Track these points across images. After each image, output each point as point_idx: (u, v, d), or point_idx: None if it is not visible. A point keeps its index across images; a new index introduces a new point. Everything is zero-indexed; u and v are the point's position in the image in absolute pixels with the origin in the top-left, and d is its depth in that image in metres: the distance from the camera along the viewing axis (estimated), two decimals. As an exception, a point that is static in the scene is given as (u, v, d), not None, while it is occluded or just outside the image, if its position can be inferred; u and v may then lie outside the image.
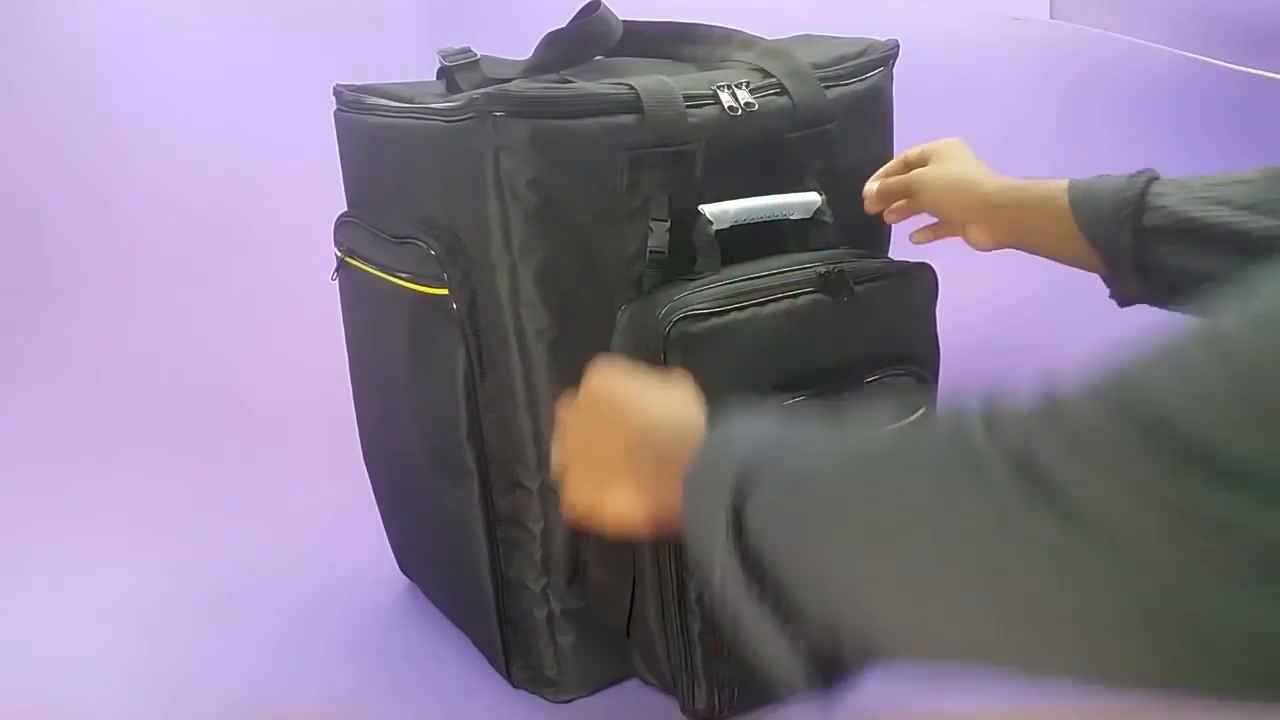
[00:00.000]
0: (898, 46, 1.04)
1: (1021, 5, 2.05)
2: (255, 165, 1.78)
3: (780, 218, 0.95)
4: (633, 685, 1.03)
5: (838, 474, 0.46)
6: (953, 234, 0.93)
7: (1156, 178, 0.82)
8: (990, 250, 0.91)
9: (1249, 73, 1.86)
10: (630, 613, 0.96)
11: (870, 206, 0.97)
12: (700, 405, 0.65)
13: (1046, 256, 0.88)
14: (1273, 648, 0.33)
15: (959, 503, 0.39)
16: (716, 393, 0.80)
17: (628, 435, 0.65)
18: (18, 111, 1.78)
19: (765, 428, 0.54)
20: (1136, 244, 0.81)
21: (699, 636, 0.92)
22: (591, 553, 0.95)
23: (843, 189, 1.00)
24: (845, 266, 0.90)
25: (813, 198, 0.96)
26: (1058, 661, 0.40)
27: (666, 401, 0.67)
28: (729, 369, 0.86)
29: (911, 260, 0.95)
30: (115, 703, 1.03)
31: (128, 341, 1.72)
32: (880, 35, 1.05)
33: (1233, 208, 0.77)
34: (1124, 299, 0.85)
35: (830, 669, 0.48)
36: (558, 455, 0.73)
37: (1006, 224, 0.89)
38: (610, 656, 1.02)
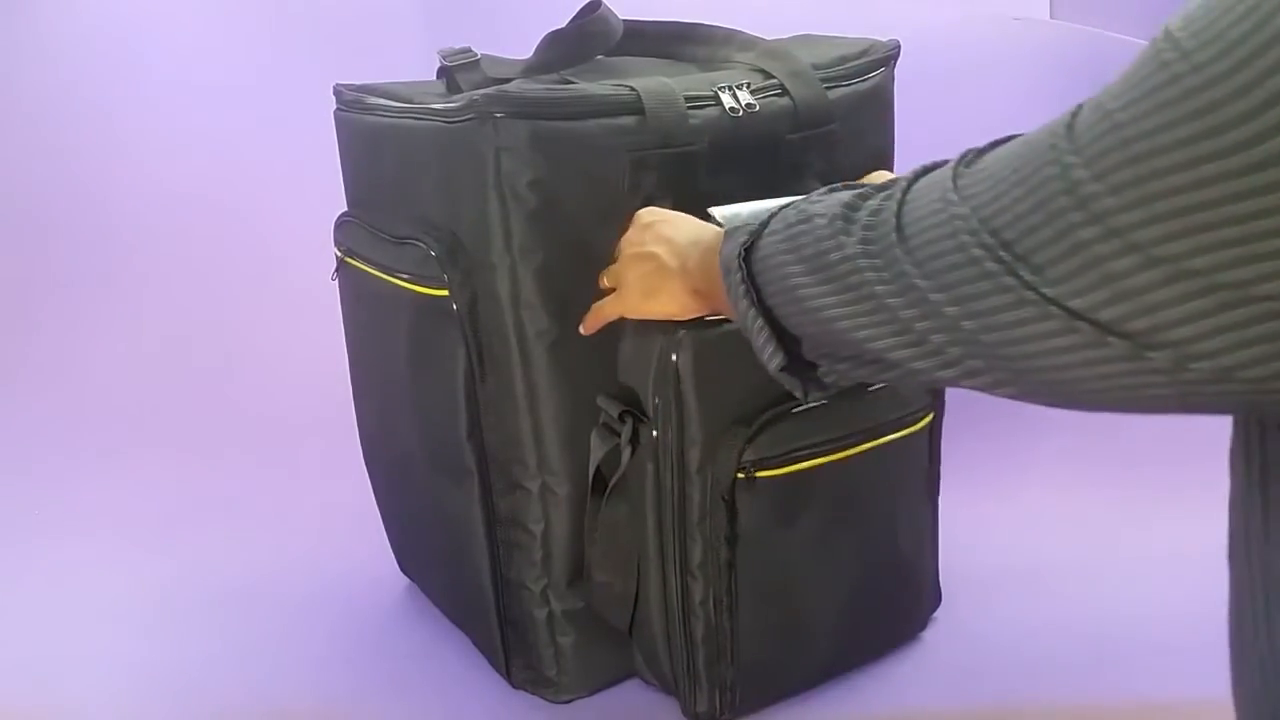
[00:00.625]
0: (899, 47, 1.04)
1: (1022, 5, 2.05)
2: (255, 165, 1.77)
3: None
4: (633, 685, 1.03)
5: (783, 241, 0.64)
6: None
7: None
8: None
9: (1249, 73, 1.85)
10: (633, 614, 0.96)
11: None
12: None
13: None
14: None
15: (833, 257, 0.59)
16: (727, 401, 0.87)
17: (678, 245, 0.81)
18: (18, 111, 1.78)
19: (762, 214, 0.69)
20: None
21: (702, 640, 0.92)
22: (596, 554, 0.95)
23: (843, 189, 1.00)
24: None
25: (773, 205, 0.95)
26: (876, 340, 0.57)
27: (700, 228, 0.83)
28: (740, 381, 0.87)
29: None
30: (115, 702, 1.03)
31: (127, 341, 1.72)
32: (881, 35, 1.05)
33: None
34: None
35: (803, 367, 0.66)
36: (610, 271, 0.88)
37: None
38: (610, 657, 1.02)
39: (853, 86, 1.00)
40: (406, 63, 1.11)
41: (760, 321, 0.66)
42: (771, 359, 0.66)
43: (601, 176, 0.89)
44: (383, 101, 1.00)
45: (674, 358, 0.86)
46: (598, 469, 0.93)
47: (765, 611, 0.93)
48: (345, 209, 1.10)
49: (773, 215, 0.67)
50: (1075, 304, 0.45)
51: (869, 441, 0.94)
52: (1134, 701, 0.99)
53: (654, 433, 0.89)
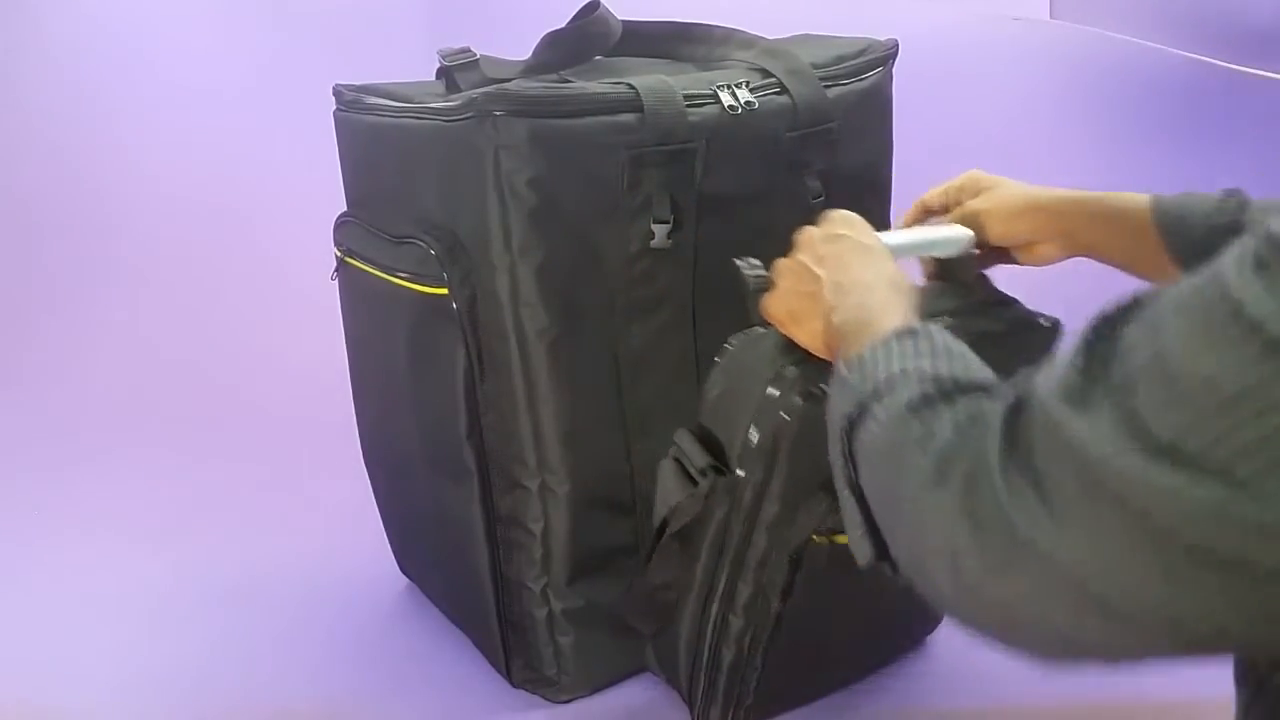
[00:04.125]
0: (897, 46, 1.04)
1: (1021, 5, 2.06)
2: (255, 165, 1.78)
3: (927, 254, 0.88)
4: (633, 685, 1.03)
5: (894, 434, 0.54)
6: (1005, 260, 0.93)
7: (1247, 201, 0.82)
8: (1054, 263, 0.91)
9: (1249, 73, 1.86)
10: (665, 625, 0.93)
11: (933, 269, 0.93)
12: (903, 299, 0.69)
13: (1122, 269, 0.88)
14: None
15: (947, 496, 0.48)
16: (820, 465, 0.80)
17: (843, 285, 0.72)
18: (18, 111, 1.78)
19: (898, 359, 0.58)
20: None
21: (729, 667, 0.90)
22: (658, 559, 0.91)
23: (843, 188, 1.00)
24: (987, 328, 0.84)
25: (964, 233, 0.87)
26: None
27: (884, 278, 0.72)
28: None
29: (1039, 313, 0.89)
30: (116, 702, 1.03)
31: (127, 342, 1.72)
32: (880, 35, 1.05)
33: None
34: None
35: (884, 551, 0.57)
36: (779, 264, 0.79)
37: (1083, 237, 0.88)
38: (610, 656, 1.02)
39: (851, 85, 1.00)
40: (406, 63, 1.11)
41: (853, 505, 0.58)
42: (858, 548, 0.58)
43: (601, 174, 0.89)
44: (382, 101, 1.00)
45: (784, 416, 0.80)
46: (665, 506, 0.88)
47: (795, 650, 0.91)
48: (345, 209, 1.10)
49: (890, 383, 0.56)
50: None
51: None
52: (1136, 702, 0.99)
53: (735, 482, 0.84)
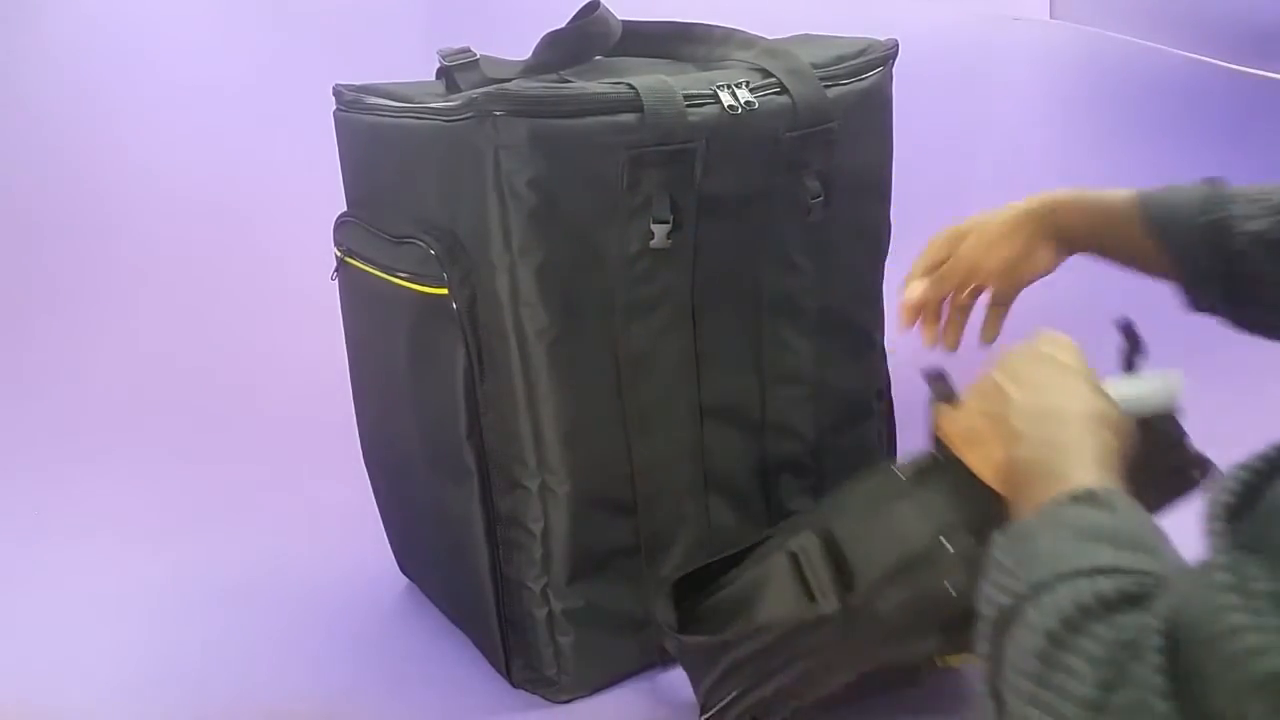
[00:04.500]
0: (897, 46, 1.04)
1: (1021, 5, 2.06)
2: (255, 165, 1.78)
3: (1137, 411, 0.78)
4: (633, 685, 1.03)
5: (1045, 647, 0.48)
6: (1010, 298, 0.92)
7: (1231, 199, 0.82)
8: (1054, 269, 0.91)
9: (1249, 73, 1.86)
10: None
11: (914, 321, 0.92)
12: (1098, 441, 0.62)
13: (1118, 265, 0.88)
14: None
15: None
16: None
17: (1034, 417, 0.64)
18: (18, 111, 1.78)
19: (1066, 541, 0.53)
20: (1226, 267, 0.81)
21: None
22: (757, 589, 0.87)
23: (843, 189, 1.00)
24: None
25: (1174, 380, 0.80)
26: None
27: (1082, 411, 0.64)
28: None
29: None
30: (116, 702, 1.03)
31: (127, 342, 1.72)
32: (880, 35, 1.05)
33: None
34: (1200, 310, 0.84)
35: None
36: (977, 377, 0.72)
37: (1077, 235, 0.88)
38: (610, 656, 1.02)
39: (851, 85, 1.00)
40: (406, 63, 1.11)
41: (992, 710, 0.53)
42: None
43: (601, 174, 0.89)
44: (382, 101, 1.00)
45: (950, 590, 0.76)
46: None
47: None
48: (345, 209, 1.10)
49: (1049, 583, 0.51)
50: None
51: None
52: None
53: (854, 614, 0.80)
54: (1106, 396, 0.67)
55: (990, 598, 0.54)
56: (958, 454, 0.71)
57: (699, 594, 0.96)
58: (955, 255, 0.92)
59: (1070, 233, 0.89)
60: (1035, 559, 0.53)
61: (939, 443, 0.75)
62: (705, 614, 0.94)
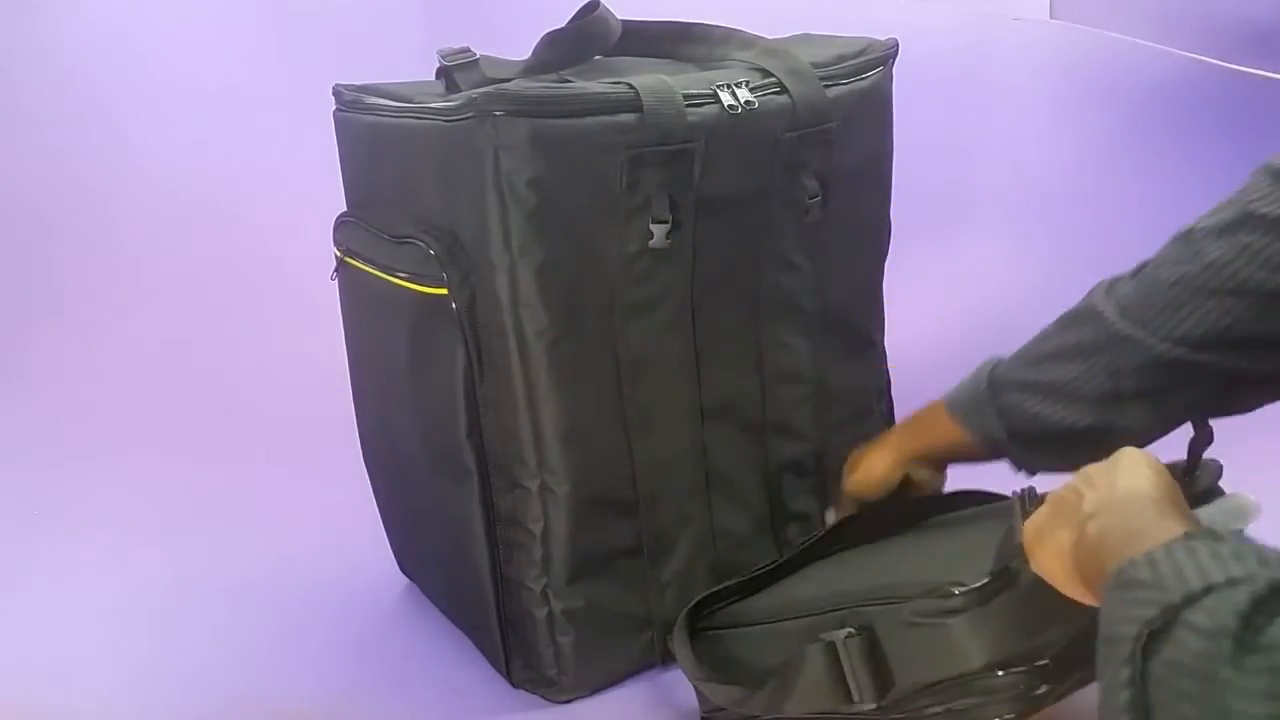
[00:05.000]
0: (897, 46, 1.04)
1: (1022, 5, 2.05)
2: (255, 165, 1.78)
3: None
4: (633, 685, 1.03)
5: (1225, 647, 0.45)
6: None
7: (996, 373, 0.91)
8: (940, 484, 1.02)
9: (1249, 73, 1.86)
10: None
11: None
12: (1182, 514, 0.59)
13: (956, 461, 0.98)
14: None
15: None
16: None
17: (1104, 497, 0.62)
18: (18, 111, 1.78)
19: (1208, 558, 0.49)
20: (1013, 444, 0.89)
21: None
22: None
23: (842, 188, 1.00)
24: None
25: (1247, 502, 0.75)
26: None
27: (1162, 491, 0.62)
28: None
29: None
30: (116, 702, 1.03)
31: (127, 341, 1.72)
32: (880, 34, 1.05)
33: (1065, 402, 0.85)
34: (1029, 471, 0.91)
35: None
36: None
37: (916, 449, 0.99)
38: (610, 657, 1.02)
39: (851, 85, 1.00)
40: (406, 63, 1.11)
41: None
42: None
43: (600, 174, 0.89)
44: (382, 101, 1.00)
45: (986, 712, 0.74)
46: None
47: None
48: (345, 209, 1.10)
49: (1192, 600, 0.47)
50: None
51: None
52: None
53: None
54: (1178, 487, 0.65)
55: (1125, 617, 0.49)
56: (1029, 557, 0.68)
57: (710, 605, 0.96)
58: (845, 488, 1.04)
59: (929, 454, 0.99)
60: (1178, 575, 0.48)
61: (1014, 556, 0.73)
62: (720, 647, 0.92)
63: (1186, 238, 0.80)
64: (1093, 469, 0.66)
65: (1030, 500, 0.72)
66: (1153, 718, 0.46)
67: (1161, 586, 0.48)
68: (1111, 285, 0.84)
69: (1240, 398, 0.81)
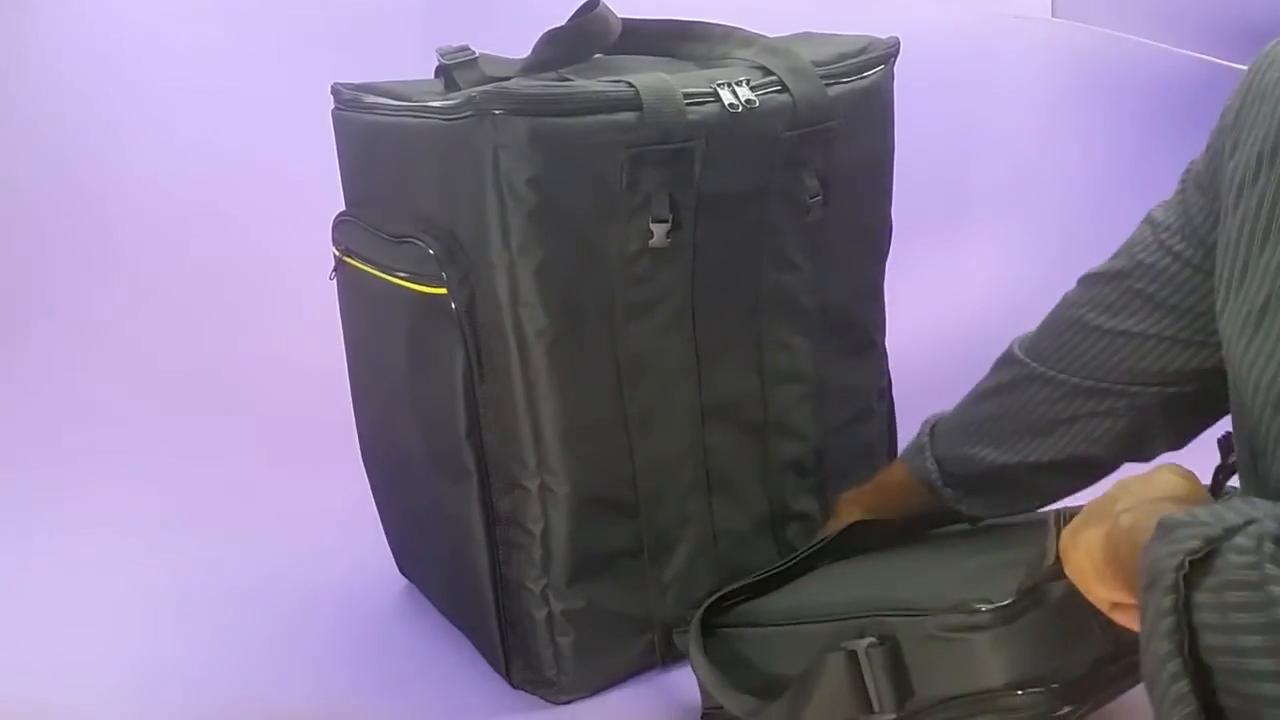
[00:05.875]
0: (899, 44, 1.04)
1: (1023, 3, 2.05)
2: (254, 165, 1.78)
3: None
4: (632, 686, 1.03)
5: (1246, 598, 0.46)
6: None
7: (939, 419, 0.96)
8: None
9: (1251, 71, 1.85)
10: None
11: None
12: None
13: (910, 513, 0.99)
14: None
15: None
16: None
17: (1137, 493, 0.63)
18: (17, 111, 1.78)
19: (1243, 505, 0.51)
20: (946, 487, 0.94)
21: None
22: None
23: (842, 187, 1.00)
24: None
25: None
26: None
27: (1195, 493, 0.64)
28: None
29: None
30: (116, 702, 1.03)
31: (127, 341, 1.72)
32: (881, 33, 1.05)
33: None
34: (969, 520, 0.96)
35: None
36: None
37: (873, 503, 1.02)
38: (610, 658, 1.02)
39: (852, 83, 1.00)
40: (405, 62, 1.11)
41: (1184, 686, 0.47)
42: None
43: (600, 173, 0.89)
44: (381, 100, 0.99)
45: None
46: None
47: None
48: (344, 208, 1.10)
49: (1232, 531, 0.48)
50: None
51: None
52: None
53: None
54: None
55: (1167, 552, 0.49)
56: (1065, 564, 0.67)
57: (721, 603, 0.95)
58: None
59: (880, 509, 1.01)
60: (1217, 516, 0.49)
61: (1046, 576, 0.72)
62: (729, 646, 0.91)
63: (1085, 280, 0.86)
64: (1129, 479, 0.66)
65: (1065, 519, 0.71)
66: (1200, 639, 0.47)
67: (1202, 523, 0.49)
68: (1023, 336, 0.91)
69: (1163, 428, 0.84)
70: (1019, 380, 0.87)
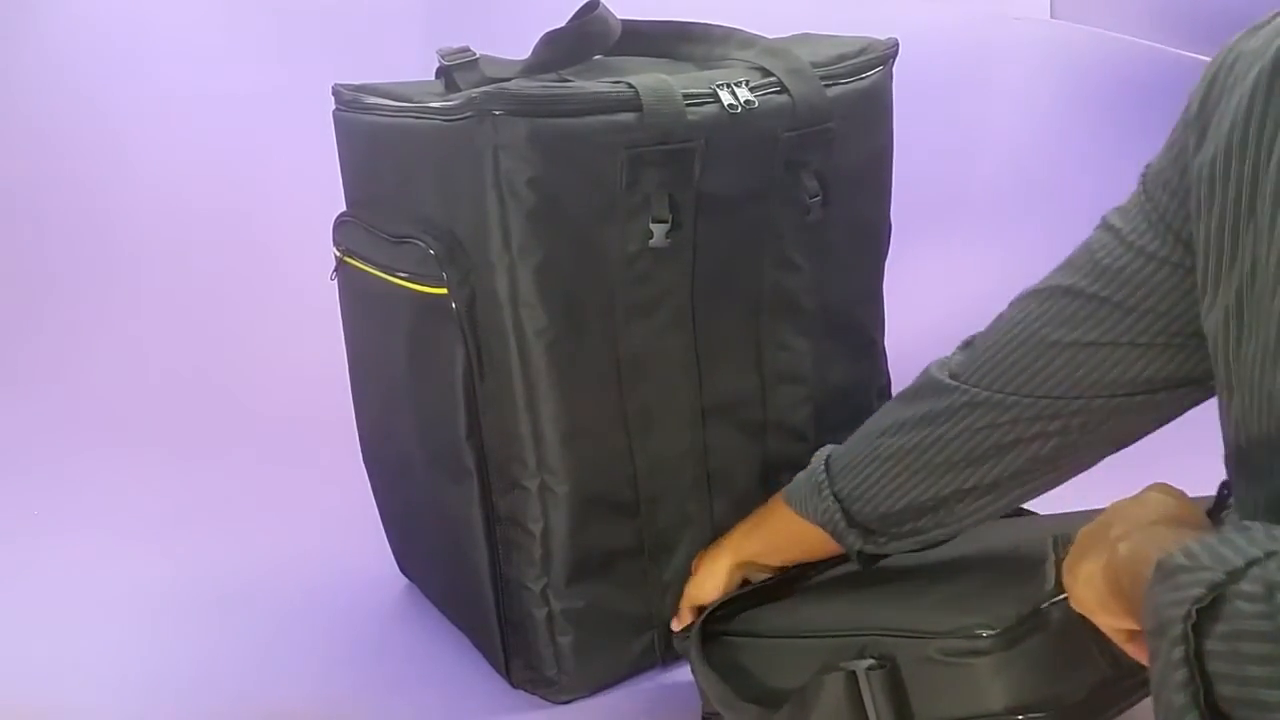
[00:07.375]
0: (897, 45, 1.04)
1: (1022, 4, 2.05)
2: (254, 165, 1.78)
3: None
4: (633, 686, 1.03)
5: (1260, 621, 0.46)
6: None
7: (832, 457, 0.90)
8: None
9: (1250, 72, 1.85)
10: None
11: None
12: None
13: (799, 558, 0.96)
14: None
15: None
16: None
17: (1132, 517, 0.62)
18: (17, 111, 1.78)
19: (1245, 541, 0.50)
20: (852, 528, 0.88)
21: None
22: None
23: (842, 188, 1.00)
24: None
25: None
26: None
27: (1194, 520, 0.63)
28: None
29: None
30: (116, 702, 1.03)
31: (127, 342, 1.72)
32: (880, 34, 1.05)
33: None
34: (868, 561, 0.90)
35: None
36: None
37: (755, 550, 0.97)
38: (610, 657, 1.02)
39: (851, 84, 1.00)
40: (405, 63, 1.11)
41: (1184, 700, 0.48)
42: None
43: (600, 174, 0.89)
44: (381, 101, 1.00)
45: None
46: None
47: None
48: (344, 208, 1.10)
49: (1236, 576, 0.47)
50: None
51: None
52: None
53: None
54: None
55: (1171, 601, 0.49)
56: (1068, 594, 0.67)
57: (722, 609, 0.95)
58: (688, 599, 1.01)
59: (767, 555, 0.97)
60: (1217, 558, 0.49)
61: (1046, 599, 0.73)
62: (728, 653, 0.91)
63: (1030, 297, 0.81)
64: (1121, 503, 0.66)
65: (1063, 544, 0.71)
66: (1216, 689, 0.47)
67: (1204, 568, 0.48)
68: (942, 363, 0.85)
69: (1110, 436, 0.81)
70: (954, 408, 0.80)
